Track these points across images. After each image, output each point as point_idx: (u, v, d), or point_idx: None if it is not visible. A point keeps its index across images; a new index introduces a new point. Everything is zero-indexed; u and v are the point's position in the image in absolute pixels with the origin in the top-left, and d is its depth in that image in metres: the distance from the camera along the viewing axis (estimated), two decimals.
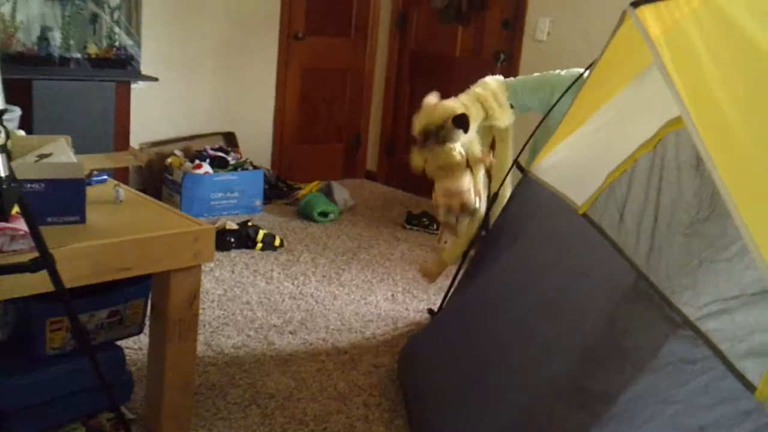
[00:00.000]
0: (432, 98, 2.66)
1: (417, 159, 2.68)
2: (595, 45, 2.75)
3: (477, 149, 2.71)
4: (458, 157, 2.58)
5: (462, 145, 2.62)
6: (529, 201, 2.41)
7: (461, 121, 2.56)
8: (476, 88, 2.75)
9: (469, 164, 2.64)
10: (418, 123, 2.63)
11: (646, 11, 1.53)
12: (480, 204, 2.69)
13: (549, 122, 2.60)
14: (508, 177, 2.84)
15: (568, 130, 2.28)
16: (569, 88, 2.52)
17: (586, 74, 2.37)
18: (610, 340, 1.57)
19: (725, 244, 1.38)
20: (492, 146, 2.92)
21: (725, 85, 1.33)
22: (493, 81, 2.81)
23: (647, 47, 1.44)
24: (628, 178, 1.76)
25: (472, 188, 2.63)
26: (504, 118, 2.75)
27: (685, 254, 1.46)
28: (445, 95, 2.73)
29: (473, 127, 2.63)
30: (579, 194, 2.01)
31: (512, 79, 2.93)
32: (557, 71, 2.89)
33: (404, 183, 5.30)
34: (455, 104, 2.64)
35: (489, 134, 2.89)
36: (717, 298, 1.37)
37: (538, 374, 1.76)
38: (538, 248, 2.17)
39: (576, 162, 2.20)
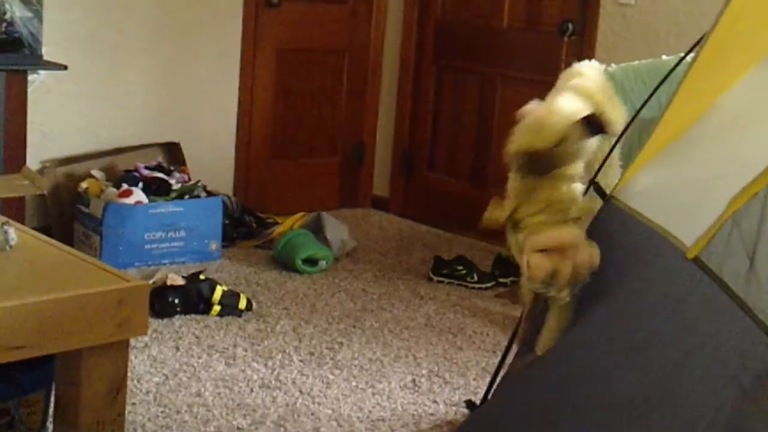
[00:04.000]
0: (535, 106, 2.63)
1: (511, 195, 2.61)
2: (708, 8, 2.75)
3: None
4: (575, 192, 2.52)
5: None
6: (615, 241, 2.39)
7: (595, 123, 2.50)
8: (573, 81, 2.73)
9: None
10: (516, 143, 2.57)
11: None
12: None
13: (645, 121, 2.60)
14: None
15: (667, 136, 2.27)
16: (664, 78, 2.52)
17: (688, 58, 2.38)
18: None
19: None
20: None
21: None
22: (589, 68, 2.80)
23: None
24: (760, 205, 1.76)
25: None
26: (619, 120, 2.75)
27: None
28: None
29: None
30: (687, 230, 2.00)
31: (613, 66, 2.93)
32: (663, 57, 2.89)
33: (429, 213, 5.31)
34: (571, 103, 2.62)
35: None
36: None
37: None
38: (629, 311, 2.16)
39: (681, 182, 2.20)
